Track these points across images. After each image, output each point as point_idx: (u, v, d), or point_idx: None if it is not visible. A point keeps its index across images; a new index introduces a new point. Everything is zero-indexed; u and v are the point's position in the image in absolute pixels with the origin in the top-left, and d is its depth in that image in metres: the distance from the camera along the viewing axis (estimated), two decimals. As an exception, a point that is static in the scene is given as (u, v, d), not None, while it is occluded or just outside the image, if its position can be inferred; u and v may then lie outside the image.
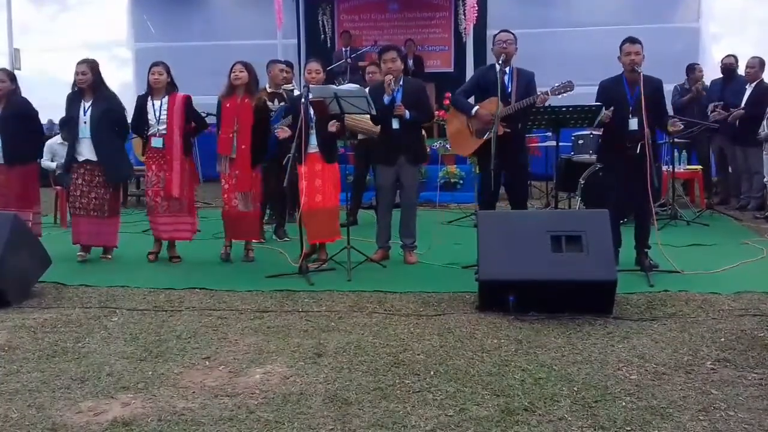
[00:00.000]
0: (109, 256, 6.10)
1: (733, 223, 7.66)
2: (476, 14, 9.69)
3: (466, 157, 8.44)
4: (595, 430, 2.77)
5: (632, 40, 5.28)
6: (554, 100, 5.43)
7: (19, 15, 11.62)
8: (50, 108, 9.78)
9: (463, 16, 11.21)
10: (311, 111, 5.50)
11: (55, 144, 8.12)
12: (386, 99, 5.63)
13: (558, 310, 4.20)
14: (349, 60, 11.30)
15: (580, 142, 7.80)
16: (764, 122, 7.78)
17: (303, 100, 5.43)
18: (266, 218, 7.10)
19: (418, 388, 3.18)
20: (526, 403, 3.00)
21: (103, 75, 5.93)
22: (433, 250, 6.13)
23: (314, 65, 5.74)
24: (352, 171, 7.12)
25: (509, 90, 5.54)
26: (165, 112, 5.83)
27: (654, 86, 5.26)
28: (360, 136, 6.83)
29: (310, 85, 5.50)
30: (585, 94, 5.77)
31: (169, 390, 3.21)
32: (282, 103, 6.61)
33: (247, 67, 5.82)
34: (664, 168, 7.77)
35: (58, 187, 7.85)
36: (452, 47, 12.73)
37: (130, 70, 13.59)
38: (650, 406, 2.97)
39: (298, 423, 2.85)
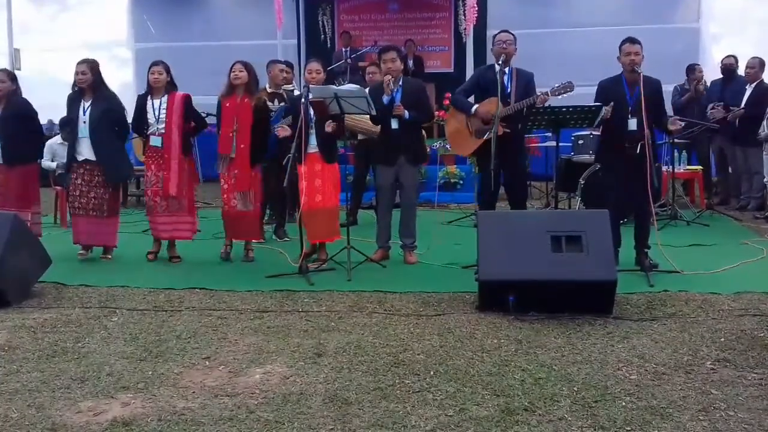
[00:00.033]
0: (109, 256, 6.10)
1: (733, 223, 7.66)
2: (476, 14, 9.69)
3: (466, 158, 8.44)
4: (595, 430, 2.77)
5: (632, 41, 5.27)
6: (554, 101, 5.43)
7: (19, 15, 11.65)
8: (50, 108, 9.82)
9: (463, 17, 11.22)
10: (311, 111, 5.51)
11: (55, 144, 8.12)
12: (385, 99, 5.63)
13: (558, 310, 4.20)
14: (349, 60, 11.30)
15: (580, 142, 7.80)
16: (764, 122, 7.78)
17: (303, 100, 5.43)
18: (266, 218, 7.10)
19: (418, 388, 3.18)
20: (526, 403, 3.00)
21: (103, 75, 5.94)
22: (433, 250, 6.13)
23: (314, 65, 5.74)
24: (352, 171, 7.12)
25: (508, 90, 5.54)
26: (164, 112, 5.83)
27: (653, 87, 5.26)
28: (360, 136, 6.83)
29: (310, 85, 5.50)
30: (585, 94, 5.77)
31: (169, 390, 3.21)
32: (282, 104, 6.61)
33: (247, 66, 5.82)
34: (664, 168, 7.77)
35: (58, 187, 7.86)
36: (452, 47, 12.72)
37: (130, 70, 13.59)
38: (650, 406, 2.97)
39: (298, 423, 2.85)
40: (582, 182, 7.31)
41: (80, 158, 5.89)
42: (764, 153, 7.86)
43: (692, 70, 9.10)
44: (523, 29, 7.95)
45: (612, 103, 5.22)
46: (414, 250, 5.90)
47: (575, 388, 3.16)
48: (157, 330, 4.09)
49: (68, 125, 6.24)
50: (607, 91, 5.39)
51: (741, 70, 8.64)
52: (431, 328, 4.05)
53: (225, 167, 5.85)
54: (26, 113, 6.13)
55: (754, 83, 8.29)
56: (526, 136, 6.97)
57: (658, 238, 5.37)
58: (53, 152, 8.09)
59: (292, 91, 7.05)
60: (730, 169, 8.89)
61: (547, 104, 5.36)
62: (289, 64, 7.77)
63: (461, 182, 9.49)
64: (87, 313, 4.44)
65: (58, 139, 8.12)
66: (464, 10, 10.44)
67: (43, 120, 6.71)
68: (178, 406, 3.03)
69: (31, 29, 17.71)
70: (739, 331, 3.91)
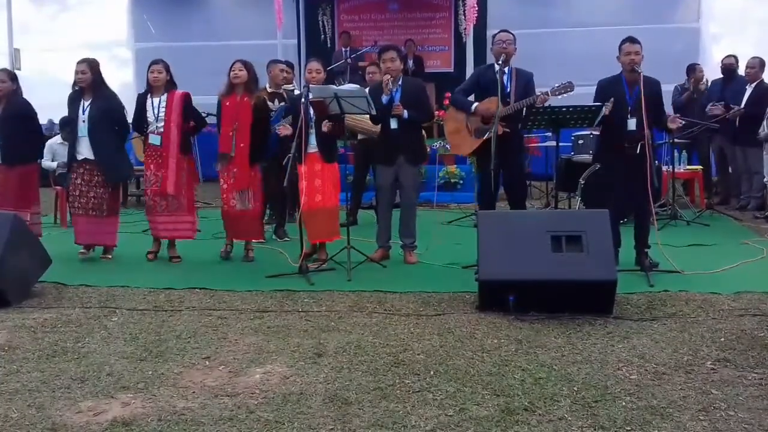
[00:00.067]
0: (109, 256, 6.10)
1: (733, 223, 7.66)
2: (476, 14, 9.68)
3: (465, 157, 8.44)
4: (595, 430, 2.77)
5: (632, 40, 5.27)
6: (554, 101, 5.43)
7: (19, 15, 11.63)
8: (50, 108, 9.80)
9: (463, 17, 11.21)
10: (311, 111, 5.51)
11: (55, 144, 8.11)
12: (384, 99, 5.63)
13: (558, 310, 4.20)
14: (349, 60, 11.30)
15: (580, 142, 7.80)
16: (764, 122, 7.79)
17: (303, 99, 5.43)
18: (266, 218, 7.10)
19: (418, 388, 3.18)
20: (526, 403, 3.00)
21: (103, 75, 5.93)
22: (432, 250, 6.13)
23: (315, 65, 5.75)
24: (352, 171, 7.11)
25: (508, 90, 5.55)
26: (164, 110, 5.83)
27: (653, 87, 5.26)
28: (360, 136, 6.83)
29: (310, 85, 5.51)
30: (585, 94, 5.77)
31: (169, 390, 3.21)
32: (282, 103, 6.61)
33: (247, 65, 5.82)
34: (664, 168, 7.77)
35: (58, 187, 7.86)
36: (452, 47, 12.72)
37: (130, 70, 13.58)
38: (650, 406, 2.97)
39: (298, 423, 2.85)
40: (582, 182, 7.30)
41: (80, 158, 5.89)
42: (764, 153, 7.87)
43: (692, 69, 9.11)
44: (523, 29, 7.95)
45: (612, 99, 5.22)
46: (414, 250, 5.90)
47: (575, 388, 3.16)
48: (157, 330, 4.09)
49: (68, 125, 6.25)
50: (607, 90, 5.38)
51: (741, 70, 8.64)
52: (431, 328, 4.05)
53: (224, 166, 5.85)
54: (26, 113, 6.12)
55: (755, 83, 8.29)
56: (526, 135, 6.97)
57: (658, 237, 5.37)
58: (53, 152, 8.09)
59: (292, 90, 7.05)
60: (730, 169, 8.89)
61: (547, 104, 5.36)
62: (290, 64, 7.77)
63: (461, 182, 9.48)
64: (87, 313, 4.44)
65: (58, 138, 8.11)
66: (464, 10, 10.44)
67: (43, 120, 6.71)
68: (178, 406, 3.03)
69: (31, 29, 17.68)
70: (739, 331, 3.91)
